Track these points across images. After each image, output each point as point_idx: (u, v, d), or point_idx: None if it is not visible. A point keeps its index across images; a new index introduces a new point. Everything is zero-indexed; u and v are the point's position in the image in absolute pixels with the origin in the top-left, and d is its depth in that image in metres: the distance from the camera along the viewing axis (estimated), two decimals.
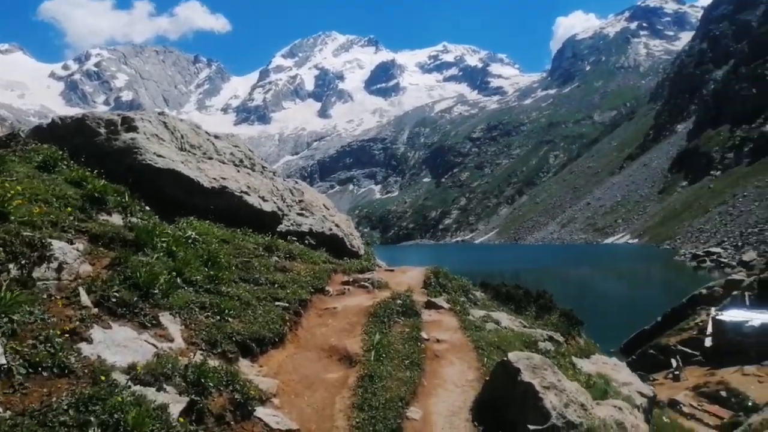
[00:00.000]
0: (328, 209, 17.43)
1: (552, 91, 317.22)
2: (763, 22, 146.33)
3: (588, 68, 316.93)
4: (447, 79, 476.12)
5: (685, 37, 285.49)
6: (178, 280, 6.06)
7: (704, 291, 26.25)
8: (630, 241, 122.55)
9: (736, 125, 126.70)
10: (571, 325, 14.44)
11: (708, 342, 20.03)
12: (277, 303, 7.24)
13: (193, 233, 8.41)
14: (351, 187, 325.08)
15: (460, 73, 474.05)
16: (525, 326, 10.27)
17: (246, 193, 12.99)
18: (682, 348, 20.68)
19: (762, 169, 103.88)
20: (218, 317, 5.94)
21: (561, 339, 10.90)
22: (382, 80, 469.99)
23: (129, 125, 10.67)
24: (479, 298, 13.67)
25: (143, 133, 10.54)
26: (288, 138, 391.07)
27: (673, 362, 19.51)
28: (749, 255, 64.25)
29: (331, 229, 15.68)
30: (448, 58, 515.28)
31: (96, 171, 8.25)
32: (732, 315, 19.96)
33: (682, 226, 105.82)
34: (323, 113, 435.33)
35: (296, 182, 17.92)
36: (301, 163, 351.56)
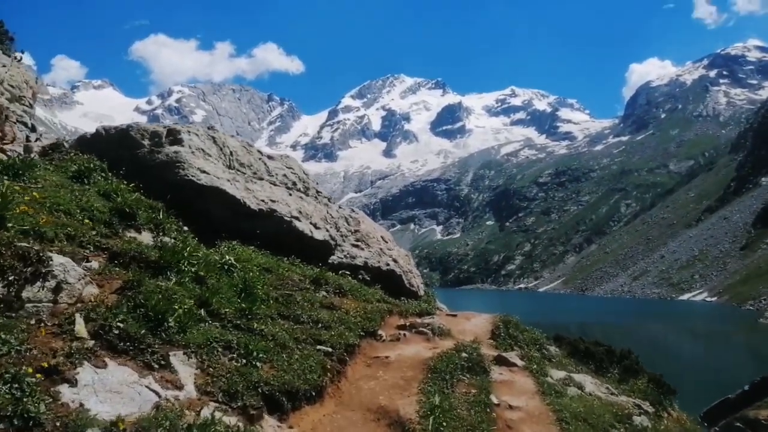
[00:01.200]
0: (386, 242, 16.04)
1: (624, 138, 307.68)
2: None
3: (663, 116, 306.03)
4: (514, 123, 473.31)
5: None
6: (202, 311, 5.12)
7: None
8: (708, 299, 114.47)
9: None
10: (662, 394, 12.53)
11: None
12: (318, 347, 6.16)
13: (231, 258, 7.45)
14: (412, 226, 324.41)
15: (528, 117, 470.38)
16: (612, 393, 8.65)
17: (296, 218, 12.03)
18: None
19: None
20: (244, 360, 4.88)
21: (650, 410, 9.21)
22: (448, 122, 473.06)
23: (174, 138, 9.93)
24: (554, 354, 12.14)
25: (188, 147, 9.77)
26: (353, 176, 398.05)
27: None
28: None
29: (388, 264, 14.40)
30: (516, 101, 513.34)
31: (134, 185, 7.61)
32: None
33: (767, 286, 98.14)
34: (388, 153, 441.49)
35: (353, 210, 16.70)
36: (364, 201, 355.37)
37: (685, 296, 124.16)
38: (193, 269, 5.82)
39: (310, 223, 12.50)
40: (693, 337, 65.25)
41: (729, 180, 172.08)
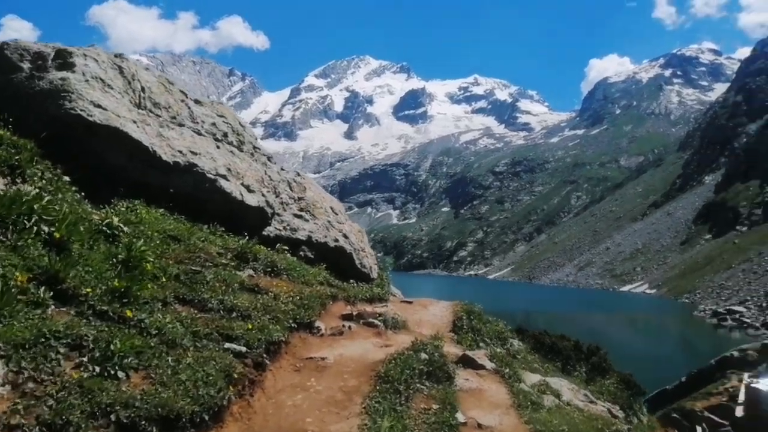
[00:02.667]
0: (336, 214, 13.74)
1: (580, 132, 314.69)
2: None
3: (618, 111, 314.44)
4: (475, 111, 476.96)
5: (719, 88, 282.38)
6: (42, 291, 3.51)
7: (736, 353, 23.55)
8: (647, 291, 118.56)
9: (766, 181, 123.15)
10: (632, 396, 11.64)
11: (739, 411, 17.02)
12: (227, 345, 4.53)
13: (116, 220, 5.67)
14: (369, 210, 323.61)
15: (489, 106, 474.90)
16: (591, 401, 7.51)
17: (223, 176, 9.81)
18: (710, 415, 17.82)
19: None
20: (98, 368, 3.25)
21: (621, 414, 8.22)
22: (411, 107, 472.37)
23: (64, 61, 7.70)
24: (518, 350, 11.02)
25: (82, 74, 7.63)
26: (312, 156, 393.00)
27: (699, 430, 17.11)
28: None
29: (336, 240, 12.43)
30: (478, 90, 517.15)
31: (5, 119, 5.84)
32: None
33: (703, 280, 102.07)
34: (349, 135, 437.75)
35: (297, 174, 13.78)
36: (323, 182, 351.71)
37: (627, 288, 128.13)
38: (46, 229, 4.09)
39: (242, 184, 10.22)
40: (632, 327, 67.15)
41: (675, 177, 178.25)
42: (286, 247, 10.84)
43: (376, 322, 8.50)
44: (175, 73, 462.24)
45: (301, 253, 11.48)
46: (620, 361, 37.58)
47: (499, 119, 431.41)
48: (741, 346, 25.55)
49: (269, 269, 8.77)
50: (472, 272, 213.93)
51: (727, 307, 74.70)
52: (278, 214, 11.56)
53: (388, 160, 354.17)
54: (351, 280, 12.01)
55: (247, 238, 9.80)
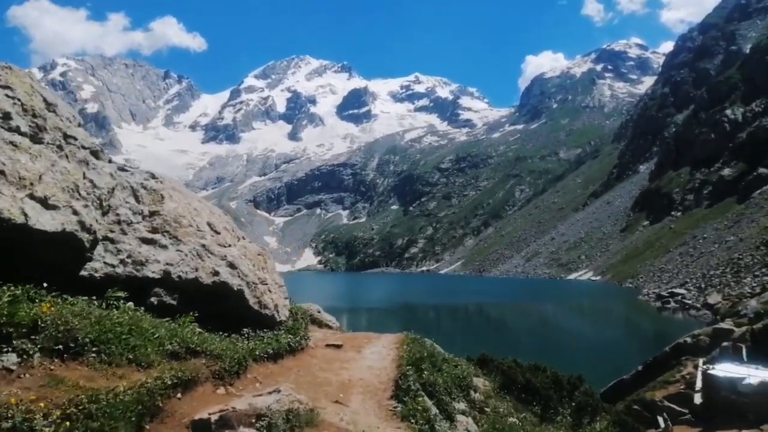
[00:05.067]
0: (218, 233, 9.73)
1: (519, 127, 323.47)
2: (721, 70, 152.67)
3: (555, 106, 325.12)
4: (418, 109, 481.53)
5: (648, 81, 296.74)
6: None
7: (689, 339, 24.32)
8: (593, 278, 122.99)
9: (696, 168, 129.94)
10: None
11: (698, 399, 17.63)
12: None
13: None
14: (318, 211, 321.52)
15: (431, 104, 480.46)
16: None
17: None
18: (669, 404, 18.30)
19: (720, 212, 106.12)
20: None
21: None
22: (354, 107, 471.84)
23: None
24: (486, 398, 9.55)
25: None
26: (256, 159, 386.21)
27: (660, 421, 17.23)
28: (714, 297, 64.02)
29: (216, 273, 8.71)
30: (420, 88, 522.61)
31: None
32: (725, 369, 17.72)
33: (644, 265, 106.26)
34: (293, 136, 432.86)
35: (151, 176, 9.90)
36: (269, 185, 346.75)
37: (573, 275, 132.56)
38: None
39: (30, 196, 6.48)
40: (581, 315, 68.95)
41: (612, 167, 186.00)
42: (122, 294, 7.27)
43: (260, 425, 5.39)
44: (107, 77, 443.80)
45: (154, 299, 7.93)
46: (573, 351, 38.91)
47: (441, 117, 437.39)
48: (693, 332, 26.15)
49: (60, 346, 5.34)
50: (424, 268, 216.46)
51: (669, 290, 77.05)
52: (112, 241, 7.85)
53: (334, 161, 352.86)
54: (245, 329, 8.92)
55: (56, 285, 6.39)
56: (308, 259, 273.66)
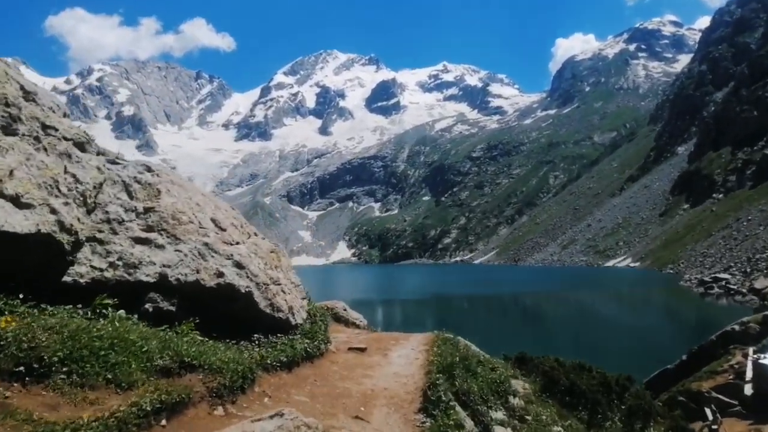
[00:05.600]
0: (224, 230, 9.03)
1: (552, 112, 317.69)
2: (762, 44, 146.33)
3: (587, 89, 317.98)
4: (447, 99, 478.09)
5: (684, 59, 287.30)
6: None
7: (737, 327, 23.05)
8: (632, 265, 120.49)
9: (737, 147, 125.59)
10: None
11: (748, 390, 16.58)
12: None
13: None
14: (350, 204, 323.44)
15: (460, 93, 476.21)
16: None
17: None
18: (717, 395, 17.27)
19: (765, 192, 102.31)
20: None
21: None
22: (383, 99, 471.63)
23: None
24: (526, 404, 8.89)
25: None
26: (288, 155, 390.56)
27: (708, 413, 16.23)
28: (761, 282, 61.75)
29: (220, 275, 8.00)
30: (448, 77, 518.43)
31: None
32: None
33: (685, 250, 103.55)
34: (324, 131, 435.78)
35: (147, 169, 8.99)
36: (301, 180, 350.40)
37: (611, 262, 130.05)
38: None
39: (0, 194, 5.94)
40: (621, 302, 67.48)
41: (648, 150, 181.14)
42: (111, 302, 6.65)
43: None
44: (141, 80, 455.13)
45: (149, 306, 7.23)
46: (614, 340, 38.11)
47: (471, 105, 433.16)
48: (741, 319, 24.69)
49: (21, 368, 4.62)
50: (457, 259, 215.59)
51: (712, 275, 74.61)
52: (100, 242, 7.21)
53: (365, 153, 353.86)
54: (256, 336, 8.22)
55: (31, 293, 5.91)
56: (342, 252, 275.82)
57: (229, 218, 9.66)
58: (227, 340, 7.72)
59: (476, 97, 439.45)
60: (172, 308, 7.48)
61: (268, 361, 7.56)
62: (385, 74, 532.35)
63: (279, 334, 8.73)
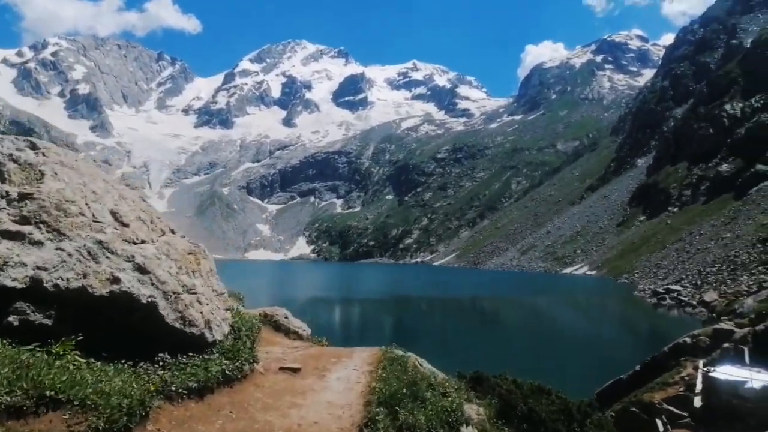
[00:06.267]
0: (126, 226, 7.59)
1: (517, 117, 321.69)
2: (721, 64, 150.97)
3: (553, 97, 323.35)
4: (415, 97, 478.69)
5: (647, 73, 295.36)
6: None
7: (688, 339, 23.50)
8: (588, 273, 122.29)
9: (693, 163, 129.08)
10: None
11: (697, 402, 16.76)
12: None
13: None
14: (312, 199, 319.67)
15: (429, 93, 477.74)
16: None
17: None
18: (668, 407, 17.50)
19: (717, 208, 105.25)
20: None
21: None
22: (350, 93, 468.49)
23: None
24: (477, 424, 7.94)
25: None
26: (250, 144, 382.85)
27: (659, 424, 16.50)
28: (710, 295, 63.22)
29: (115, 281, 6.60)
30: (418, 76, 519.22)
31: None
32: (726, 372, 16.60)
33: (640, 260, 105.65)
34: (288, 122, 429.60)
35: (31, 145, 7.57)
36: (263, 171, 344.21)
37: (568, 270, 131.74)
38: None
39: None
40: (577, 309, 68.35)
41: (609, 160, 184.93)
42: None
43: None
44: (99, 58, 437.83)
45: (14, 319, 5.84)
46: (570, 348, 37.97)
47: (439, 105, 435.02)
48: (693, 331, 25.55)
49: None
50: (418, 259, 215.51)
51: (665, 287, 75.90)
52: None
53: (329, 148, 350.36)
54: (161, 355, 6.86)
55: None
56: (301, 247, 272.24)
57: (136, 211, 8.20)
58: (123, 362, 6.37)
59: (444, 98, 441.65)
60: (47, 321, 6.08)
61: (173, 388, 6.30)
62: (354, 68, 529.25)
63: (191, 353, 7.38)
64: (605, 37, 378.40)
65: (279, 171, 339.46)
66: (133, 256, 7.10)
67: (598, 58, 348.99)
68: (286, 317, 14.79)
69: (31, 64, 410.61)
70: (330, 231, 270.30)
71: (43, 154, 7.50)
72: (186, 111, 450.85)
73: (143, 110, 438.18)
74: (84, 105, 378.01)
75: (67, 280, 6.32)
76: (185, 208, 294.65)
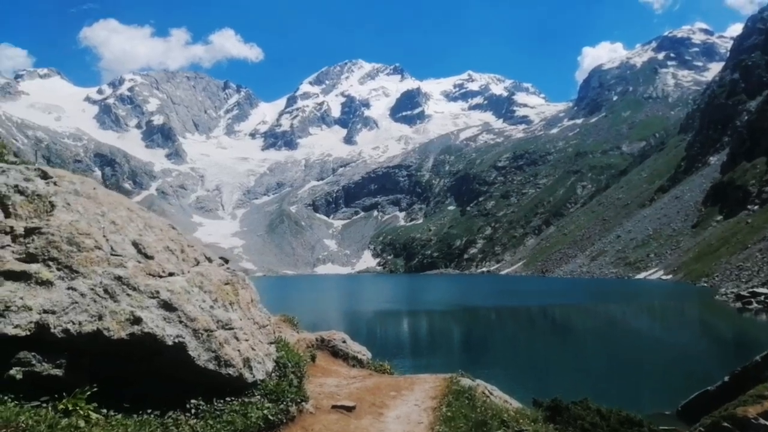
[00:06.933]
0: (150, 258, 7.07)
1: (579, 121, 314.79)
2: None
3: (615, 98, 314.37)
4: (472, 108, 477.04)
5: (714, 67, 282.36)
6: None
7: None
8: (664, 277, 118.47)
9: None
10: None
11: None
12: None
13: None
14: (375, 213, 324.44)
15: (485, 102, 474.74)
16: None
17: None
18: (765, 422, 16.46)
19: None
20: None
21: None
22: (408, 108, 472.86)
23: None
24: None
25: None
26: (314, 164, 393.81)
27: None
28: None
29: (136, 321, 6.04)
30: (473, 86, 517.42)
31: None
32: None
33: (720, 262, 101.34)
34: (349, 140, 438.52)
35: (42, 174, 7.26)
36: (327, 189, 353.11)
37: (642, 275, 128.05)
38: None
39: None
40: (654, 316, 65.87)
41: (679, 160, 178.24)
42: None
43: None
44: (171, 90, 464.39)
45: (16, 371, 5.22)
46: (649, 357, 37.33)
47: (496, 114, 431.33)
48: None
49: None
50: (484, 269, 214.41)
51: (750, 290, 71.62)
52: None
53: (390, 163, 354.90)
54: (193, 401, 6.30)
55: None
56: (367, 261, 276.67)
57: (164, 240, 7.59)
58: (149, 411, 5.81)
59: (501, 106, 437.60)
60: (57, 371, 5.44)
61: None
62: (410, 83, 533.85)
63: (229, 398, 6.70)
64: (666, 34, 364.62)
65: (342, 187, 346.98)
66: (157, 292, 6.49)
67: (660, 56, 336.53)
68: (344, 341, 14.08)
69: (111, 100, 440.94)
70: (394, 244, 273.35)
71: (55, 183, 7.02)
72: (253, 135, 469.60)
73: (213, 136, 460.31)
74: (159, 134, 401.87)
75: (79, 323, 5.71)
76: (256, 227, 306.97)
